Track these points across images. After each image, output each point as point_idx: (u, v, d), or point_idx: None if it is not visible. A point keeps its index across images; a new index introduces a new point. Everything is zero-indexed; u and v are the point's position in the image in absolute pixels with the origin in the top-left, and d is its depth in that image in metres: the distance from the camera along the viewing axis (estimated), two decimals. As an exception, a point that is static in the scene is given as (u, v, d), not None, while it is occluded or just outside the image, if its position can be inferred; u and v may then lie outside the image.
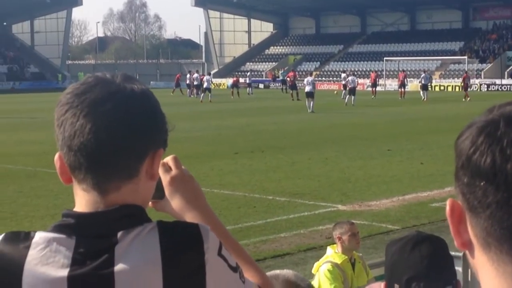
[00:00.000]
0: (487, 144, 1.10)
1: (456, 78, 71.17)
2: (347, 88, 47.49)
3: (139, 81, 1.70)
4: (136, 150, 1.63)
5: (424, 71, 57.43)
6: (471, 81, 68.40)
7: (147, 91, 1.68)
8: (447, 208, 1.16)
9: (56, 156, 1.66)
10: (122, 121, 1.60)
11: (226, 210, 13.73)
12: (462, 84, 54.81)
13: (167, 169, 1.84)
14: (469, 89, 53.41)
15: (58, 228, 1.64)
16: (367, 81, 66.85)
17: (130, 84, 1.66)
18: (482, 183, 1.09)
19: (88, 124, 1.59)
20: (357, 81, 49.89)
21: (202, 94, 53.82)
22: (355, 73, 77.47)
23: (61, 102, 1.64)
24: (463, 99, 49.83)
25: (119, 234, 1.61)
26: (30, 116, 37.82)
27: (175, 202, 1.84)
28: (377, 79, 60.26)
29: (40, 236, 1.63)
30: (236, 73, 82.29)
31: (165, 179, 1.83)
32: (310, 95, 40.63)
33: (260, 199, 14.95)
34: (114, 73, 1.69)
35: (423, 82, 52.91)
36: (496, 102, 1.20)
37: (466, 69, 68.74)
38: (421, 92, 51.85)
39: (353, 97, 45.68)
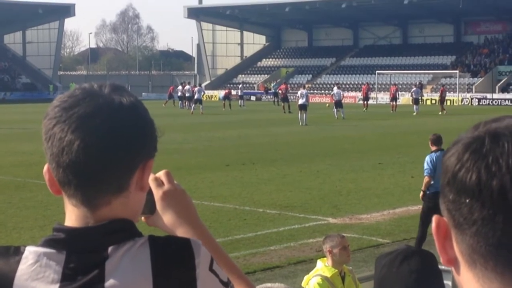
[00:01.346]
0: (473, 161, 1.10)
1: (448, 92, 71.38)
2: (333, 101, 47.19)
3: (127, 91, 1.67)
4: (126, 164, 1.61)
5: (415, 85, 57.43)
6: (462, 95, 68.73)
7: (136, 102, 1.65)
8: (433, 224, 1.16)
9: (45, 168, 1.65)
10: (111, 136, 1.58)
11: (216, 223, 13.71)
12: (439, 98, 54.99)
13: (160, 183, 1.82)
14: (445, 103, 53.76)
15: (48, 243, 1.62)
16: (359, 94, 66.94)
17: (118, 95, 1.63)
18: (467, 200, 1.10)
19: (76, 141, 1.57)
20: (343, 94, 49.39)
21: (193, 105, 53.82)
22: (348, 86, 77.77)
23: (49, 115, 1.62)
24: (439, 113, 50.05)
25: (110, 249, 1.60)
26: (20, 127, 37.74)
27: (167, 217, 1.82)
28: (369, 92, 60.25)
29: (30, 251, 1.62)
30: (228, 85, 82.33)
31: (157, 193, 1.81)
32: (303, 107, 40.63)
33: (251, 212, 14.95)
34: (102, 84, 1.66)
35: (414, 96, 52.81)
36: (483, 118, 1.21)
37: (457, 83, 69.06)
38: (414, 107, 51.56)
39: (341, 110, 45.49)
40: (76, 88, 1.66)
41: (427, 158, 12.14)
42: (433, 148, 12.25)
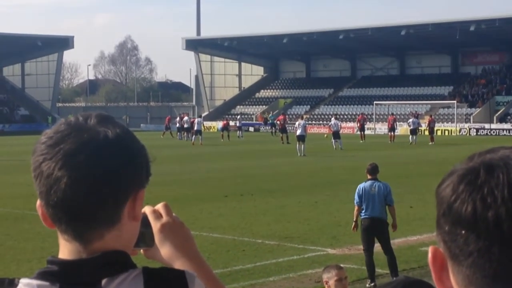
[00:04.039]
0: (468, 192, 1.10)
1: (445, 122, 71.56)
2: (331, 132, 47.30)
3: (113, 122, 1.66)
4: (115, 198, 1.61)
5: (414, 116, 57.50)
6: (460, 125, 68.85)
7: (121, 133, 1.63)
8: (429, 255, 1.16)
9: (38, 203, 1.65)
10: (97, 172, 1.57)
11: (215, 254, 13.66)
12: (427, 128, 55.11)
13: (158, 216, 1.80)
14: (434, 133, 53.94)
15: (42, 275, 1.62)
16: (357, 125, 66.96)
17: (104, 128, 1.62)
18: (463, 231, 1.10)
19: (63, 178, 1.57)
20: (340, 125, 49.49)
21: (194, 137, 53.93)
22: (345, 117, 77.89)
23: (36, 152, 1.63)
24: (430, 143, 50.16)
25: (104, 281, 1.59)
26: (19, 159, 37.67)
27: (165, 250, 1.80)
28: (365, 122, 59.92)
29: (24, 283, 1.61)
30: (227, 116, 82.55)
31: (155, 226, 1.80)
32: (301, 138, 40.65)
33: (249, 243, 14.90)
34: (88, 116, 1.65)
35: (411, 126, 52.93)
36: (481, 148, 1.22)
37: (455, 113, 69.19)
38: (410, 137, 51.72)
39: (339, 140, 45.58)
40: (62, 123, 1.65)
41: (357, 188, 12.48)
42: (369, 177, 12.55)
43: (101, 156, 1.58)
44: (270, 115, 78.64)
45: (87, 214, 1.59)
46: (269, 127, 72.11)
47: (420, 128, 57.65)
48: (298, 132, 41.27)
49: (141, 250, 1.80)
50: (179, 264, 1.79)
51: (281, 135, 54.13)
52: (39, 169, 1.60)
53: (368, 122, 66.75)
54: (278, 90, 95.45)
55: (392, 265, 12.09)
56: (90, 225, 1.59)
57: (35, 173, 1.62)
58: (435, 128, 57.85)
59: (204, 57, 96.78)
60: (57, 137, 1.61)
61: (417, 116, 62.43)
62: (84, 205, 1.58)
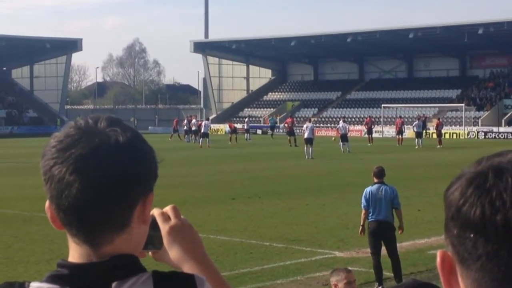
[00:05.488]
0: (477, 196, 1.10)
1: (454, 126, 71.41)
2: (339, 135, 47.26)
3: (123, 125, 1.66)
4: (126, 202, 1.61)
5: (418, 119, 57.38)
6: (468, 128, 68.68)
7: (132, 137, 1.64)
8: (438, 259, 1.16)
9: (47, 205, 1.65)
10: (108, 177, 1.58)
11: (222, 256, 13.67)
12: (436, 131, 54.92)
13: (166, 218, 1.80)
14: (442, 137, 53.74)
15: (52, 278, 1.62)
16: (365, 128, 66.95)
17: (114, 132, 1.62)
18: (472, 235, 1.10)
19: (75, 183, 1.57)
20: (348, 128, 49.43)
21: (201, 139, 54.04)
22: (353, 119, 77.83)
23: (46, 156, 1.62)
24: (438, 146, 50.02)
25: (114, 285, 1.60)
26: (27, 161, 37.75)
27: (173, 252, 1.80)
28: (372, 125, 59.78)
29: (34, 287, 1.62)
30: (234, 118, 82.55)
31: (164, 228, 1.80)
32: (309, 141, 40.65)
33: (257, 245, 14.90)
34: (98, 119, 1.65)
35: (415, 129, 52.79)
36: (490, 151, 1.22)
37: (463, 116, 69.06)
38: (416, 140, 51.54)
39: (346, 143, 45.55)
40: (72, 126, 1.65)
41: (364, 192, 12.46)
42: (375, 180, 12.53)
43: (113, 160, 1.59)
44: (270, 117, 78.54)
45: (98, 219, 1.59)
46: (276, 130, 72.10)
47: (428, 131, 57.41)
48: (306, 135, 41.27)
49: (150, 252, 1.80)
50: (187, 267, 1.79)
51: (288, 137, 54.14)
52: (50, 173, 1.60)
53: (376, 125, 66.70)
54: (286, 93, 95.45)
55: (396, 269, 12.06)
56: (101, 229, 1.60)
57: (45, 176, 1.62)
58: (443, 131, 57.66)
59: (212, 59, 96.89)
60: (67, 141, 1.61)
61: (424, 119, 62.21)
62: (96, 209, 1.58)
